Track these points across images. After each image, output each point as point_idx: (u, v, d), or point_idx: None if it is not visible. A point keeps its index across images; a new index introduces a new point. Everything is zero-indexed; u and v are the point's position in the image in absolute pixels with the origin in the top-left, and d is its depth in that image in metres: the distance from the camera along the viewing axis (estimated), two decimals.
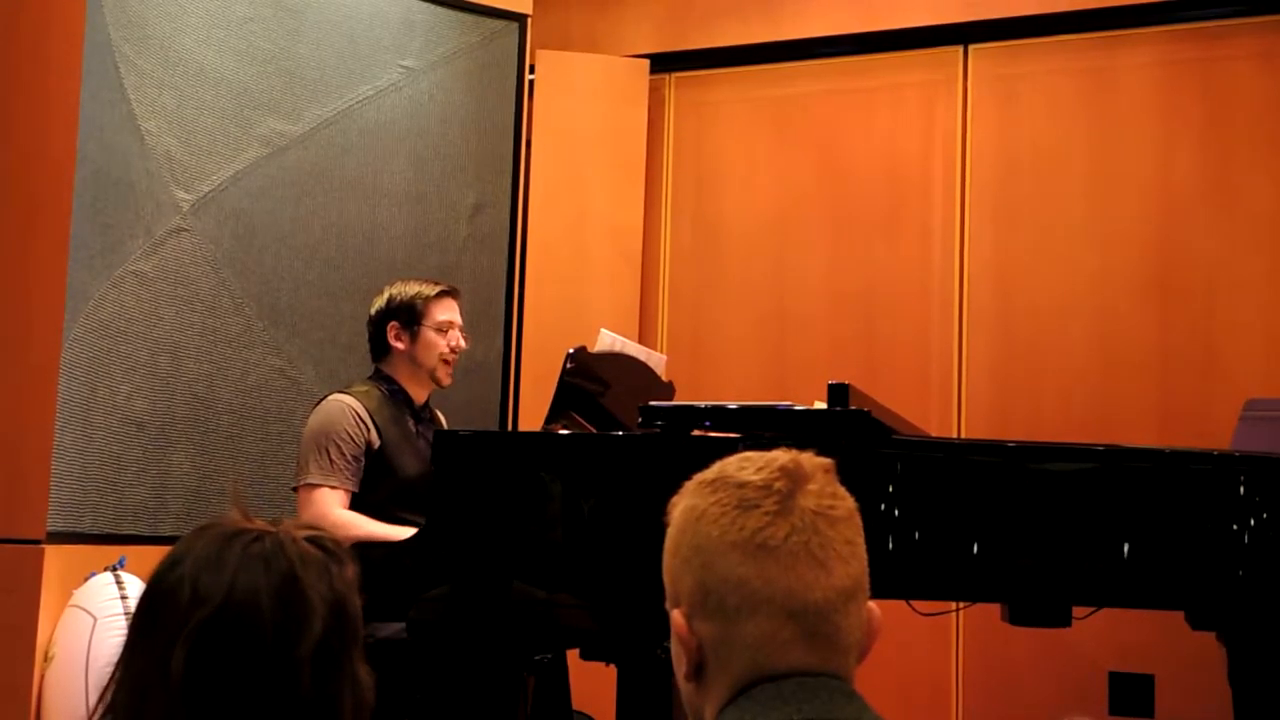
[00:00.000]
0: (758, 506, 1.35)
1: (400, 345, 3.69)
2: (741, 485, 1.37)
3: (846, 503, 1.40)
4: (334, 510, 3.48)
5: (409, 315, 3.70)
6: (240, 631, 1.32)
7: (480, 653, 3.18)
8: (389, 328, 3.70)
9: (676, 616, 1.38)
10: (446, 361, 3.71)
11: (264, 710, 1.31)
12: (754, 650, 1.33)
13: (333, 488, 3.51)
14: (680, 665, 1.39)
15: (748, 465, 1.39)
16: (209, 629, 1.31)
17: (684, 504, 1.41)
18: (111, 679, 1.37)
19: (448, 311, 3.74)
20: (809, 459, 1.40)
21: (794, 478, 1.37)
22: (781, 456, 1.40)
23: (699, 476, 1.42)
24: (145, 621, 1.36)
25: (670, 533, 1.42)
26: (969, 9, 4.91)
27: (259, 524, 1.40)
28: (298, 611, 1.34)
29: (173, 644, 1.31)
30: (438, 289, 3.75)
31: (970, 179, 4.89)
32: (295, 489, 3.60)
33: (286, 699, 1.32)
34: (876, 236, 5.00)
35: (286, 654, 1.32)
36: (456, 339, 3.73)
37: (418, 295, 3.71)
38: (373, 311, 3.76)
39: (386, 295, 3.75)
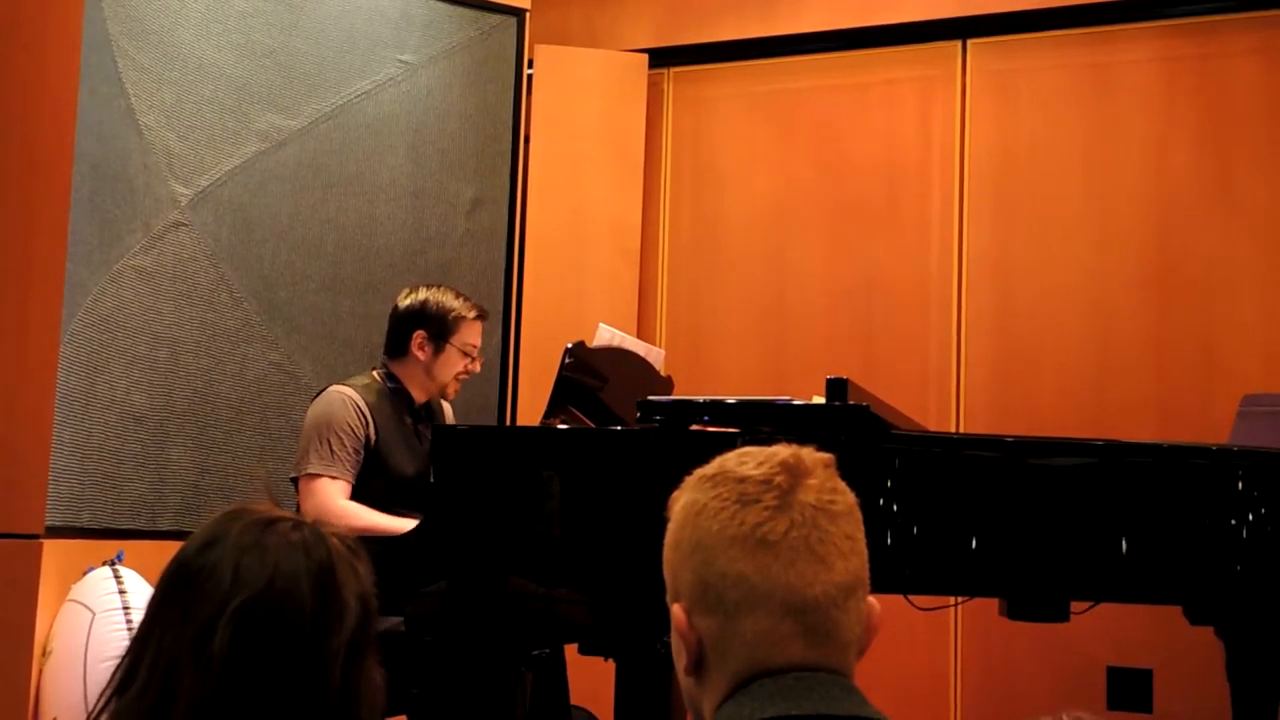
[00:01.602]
0: (758, 501, 1.35)
1: (422, 355, 3.68)
2: (741, 480, 1.37)
3: (847, 498, 1.39)
4: (337, 500, 3.49)
5: (440, 329, 3.68)
6: (282, 616, 1.33)
7: (478, 648, 3.18)
8: (415, 334, 3.68)
9: (677, 611, 1.38)
10: (457, 379, 3.72)
11: (294, 697, 1.32)
12: (753, 646, 1.33)
13: (333, 478, 3.51)
14: (680, 660, 1.39)
15: (748, 460, 1.39)
16: (252, 611, 1.32)
17: (684, 499, 1.41)
18: (126, 656, 1.37)
19: (476, 336, 3.74)
20: (809, 454, 1.40)
21: (794, 473, 1.37)
22: (782, 451, 1.39)
23: (699, 471, 1.42)
24: (177, 600, 1.36)
25: (670, 527, 1.42)
26: (967, 4, 4.91)
27: (286, 514, 1.42)
28: (334, 604, 1.36)
29: (213, 623, 1.32)
30: (475, 311, 3.73)
31: (968, 174, 4.89)
32: (294, 479, 3.60)
33: (317, 689, 1.33)
34: (875, 231, 5.00)
35: (322, 645, 1.34)
36: (475, 363, 3.74)
37: (454, 312, 3.69)
38: (401, 307, 3.73)
39: (422, 298, 3.71)
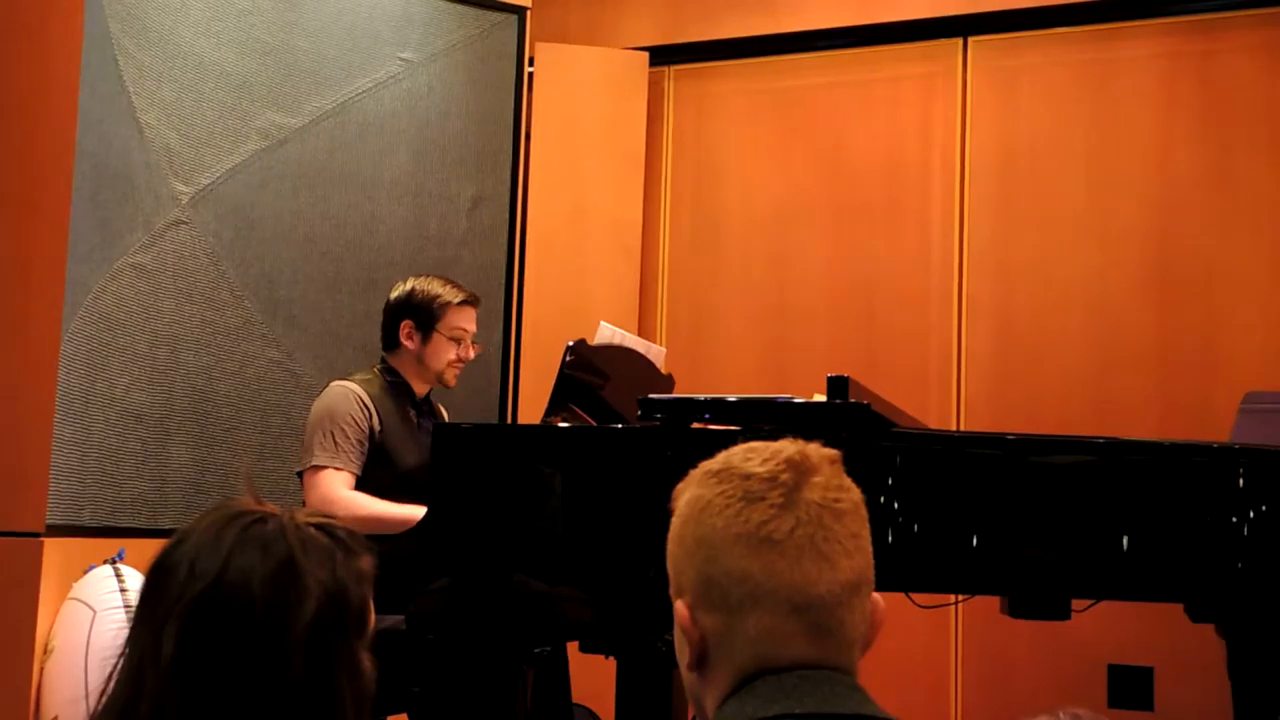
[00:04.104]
0: (762, 499, 1.34)
1: (410, 344, 3.68)
2: (747, 477, 1.36)
3: (853, 495, 1.39)
4: (339, 490, 3.48)
5: (425, 317, 3.67)
6: (230, 611, 1.32)
7: (480, 646, 3.18)
8: (403, 324, 3.68)
9: (680, 607, 1.37)
10: (454, 367, 3.71)
11: (255, 692, 1.31)
12: (756, 643, 1.33)
13: (337, 469, 3.51)
14: (683, 655, 1.38)
15: (753, 456, 1.38)
16: (199, 608, 1.32)
17: (689, 494, 1.40)
18: (119, 656, 1.38)
19: (465, 320, 3.71)
20: (815, 450, 1.39)
21: (799, 470, 1.36)
22: (788, 448, 1.39)
23: (705, 466, 1.41)
24: (148, 598, 1.37)
25: (675, 522, 1.41)
26: (968, 1, 4.91)
27: (268, 508, 1.41)
28: (290, 595, 1.34)
29: (166, 622, 1.32)
30: (461, 297, 3.71)
31: (969, 171, 4.89)
32: (300, 473, 3.60)
33: (277, 682, 1.31)
34: (876, 229, 5.00)
35: (277, 637, 1.32)
36: (468, 349, 3.72)
37: (439, 299, 3.68)
38: (391, 299, 3.73)
39: (409, 288, 3.71)
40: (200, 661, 1.31)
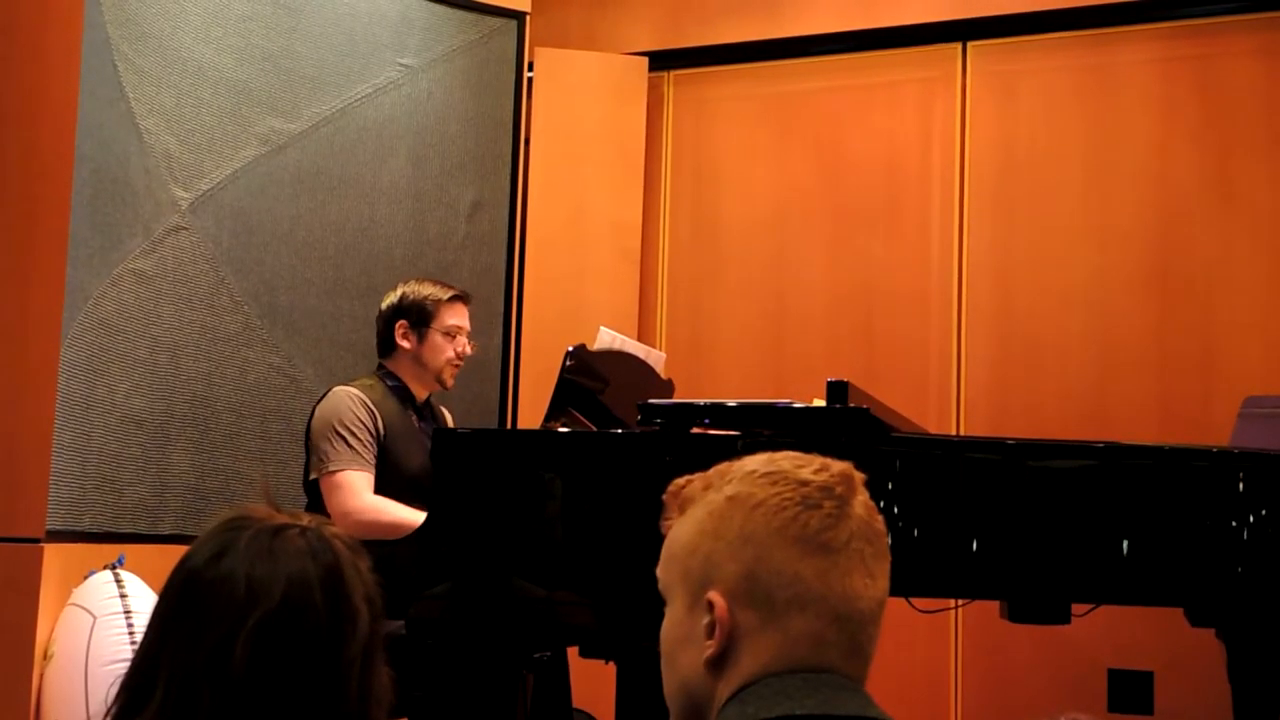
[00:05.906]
0: (820, 506, 1.36)
1: (407, 345, 3.70)
2: (804, 483, 1.37)
3: (881, 519, 1.42)
4: (363, 494, 3.49)
5: (419, 316, 3.70)
6: (299, 629, 1.33)
7: (480, 650, 3.18)
8: (397, 326, 3.71)
9: (716, 597, 1.35)
10: (452, 365, 3.72)
11: (315, 707, 1.33)
12: (794, 644, 1.33)
13: (355, 470, 3.51)
14: (698, 652, 1.37)
15: (805, 465, 1.40)
16: (269, 625, 1.32)
17: (732, 490, 1.39)
18: (133, 673, 1.36)
19: (458, 317, 3.74)
20: (853, 469, 1.42)
21: (850, 484, 1.39)
22: (835, 463, 1.41)
23: (744, 466, 1.41)
24: (189, 614, 1.35)
25: (701, 515, 1.40)
26: (968, 6, 4.91)
27: (283, 516, 1.42)
28: (345, 610, 1.37)
29: (231, 639, 1.31)
30: (451, 293, 3.75)
31: (969, 176, 4.89)
32: (312, 481, 3.57)
33: (336, 698, 1.34)
34: (875, 233, 5.00)
35: (338, 654, 1.35)
36: (463, 345, 3.74)
37: (430, 297, 3.72)
38: (383, 306, 3.77)
39: (400, 292, 3.75)
40: (268, 681, 1.31)
